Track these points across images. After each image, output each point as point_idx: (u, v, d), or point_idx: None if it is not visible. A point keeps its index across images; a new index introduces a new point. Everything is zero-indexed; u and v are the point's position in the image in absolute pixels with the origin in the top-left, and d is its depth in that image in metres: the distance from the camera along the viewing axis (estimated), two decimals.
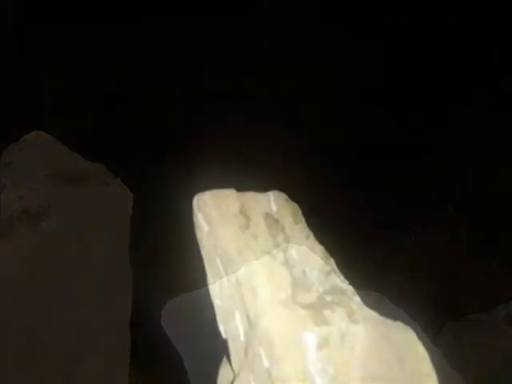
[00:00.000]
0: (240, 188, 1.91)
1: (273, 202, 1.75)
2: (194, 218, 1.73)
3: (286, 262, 1.64)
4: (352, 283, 1.67)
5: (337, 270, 1.69)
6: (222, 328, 1.71)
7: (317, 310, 1.54)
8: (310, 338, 1.51)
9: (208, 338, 1.91)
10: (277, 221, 1.74)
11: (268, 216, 1.73)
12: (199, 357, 2.11)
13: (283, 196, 1.78)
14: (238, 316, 1.61)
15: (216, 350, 1.79)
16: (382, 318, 1.60)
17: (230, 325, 1.64)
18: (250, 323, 1.55)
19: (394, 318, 1.62)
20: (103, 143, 5.36)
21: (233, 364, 1.66)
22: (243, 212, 1.70)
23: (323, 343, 1.49)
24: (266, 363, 1.49)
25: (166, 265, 4.71)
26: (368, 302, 1.60)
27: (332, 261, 1.71)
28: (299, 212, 1.77)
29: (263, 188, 1.95)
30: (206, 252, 1.70)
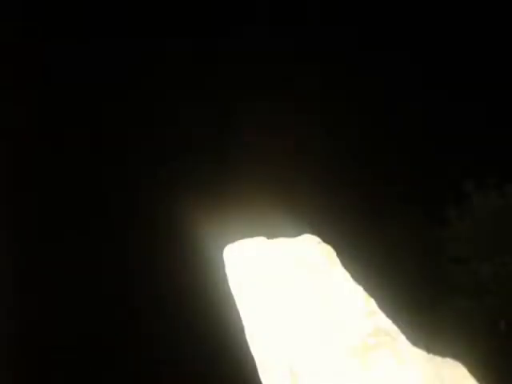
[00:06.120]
0: (270, 234, 1.88)
1: (306, 245, 1.73)
2: (226, 269, 1.72)
3: (327, 306, 1.62)
4: None
5: (378, 310, 1.66)
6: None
7: (361, 353, 1.51)
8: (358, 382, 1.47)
9: None
10: (312, 265, 1.72)
11: (302, 261, 1.71)
12: None
13: (315, 239, 1.77)
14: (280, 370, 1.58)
15: None
16: (429, 356, 1.55)
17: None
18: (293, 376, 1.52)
19: None
20: None
21: None
22: (276, 259, 1.69)
23: None
24: None
25: None
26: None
27: (372, 301, 1.67)
28: (333, 254, 1.76)
29: (293, 232, 1.92)
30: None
